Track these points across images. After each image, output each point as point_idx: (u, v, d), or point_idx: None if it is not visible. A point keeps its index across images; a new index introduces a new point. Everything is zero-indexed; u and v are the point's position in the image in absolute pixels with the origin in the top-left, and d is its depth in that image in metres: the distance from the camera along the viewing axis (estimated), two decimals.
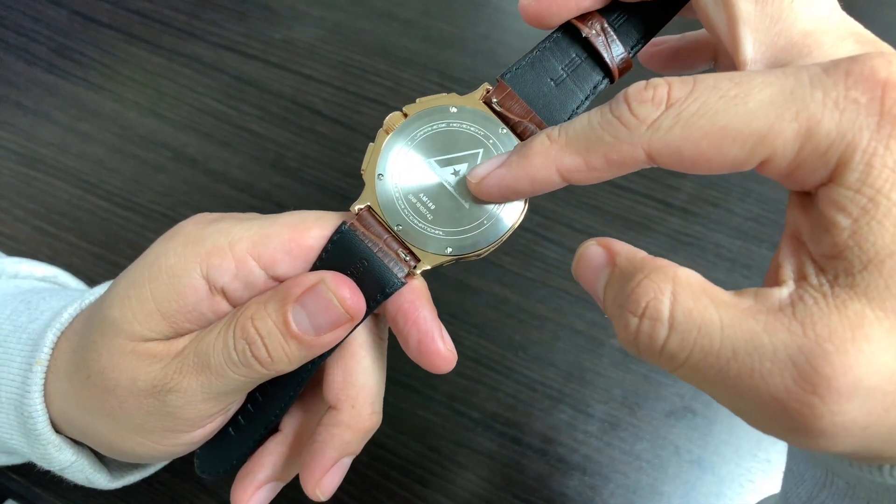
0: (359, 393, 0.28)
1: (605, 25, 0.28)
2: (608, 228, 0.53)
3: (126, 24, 0.66)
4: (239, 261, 0.26)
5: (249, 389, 0.28)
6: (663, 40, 0.33)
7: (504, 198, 0.26)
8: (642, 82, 0.21)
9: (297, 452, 0.30)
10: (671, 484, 0.44)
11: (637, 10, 0.28)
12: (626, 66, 0.29)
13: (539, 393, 0.47)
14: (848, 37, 0.23)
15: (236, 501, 0.28)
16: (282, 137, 0.59)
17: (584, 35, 0.28)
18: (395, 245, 0.27)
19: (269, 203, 0.55)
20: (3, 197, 0.55)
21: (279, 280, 0.26)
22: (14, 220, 0.54)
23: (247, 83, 0.62)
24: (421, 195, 0.27)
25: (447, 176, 0.27)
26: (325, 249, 0.26)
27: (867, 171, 0.18)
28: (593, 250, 0.23)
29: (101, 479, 0.33)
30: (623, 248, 0.22)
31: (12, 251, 0.52)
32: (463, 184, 0.27)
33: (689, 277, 0.20)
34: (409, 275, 0.27)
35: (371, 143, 0.28)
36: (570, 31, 0.28)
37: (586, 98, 0.28)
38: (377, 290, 0.26)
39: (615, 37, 0.28)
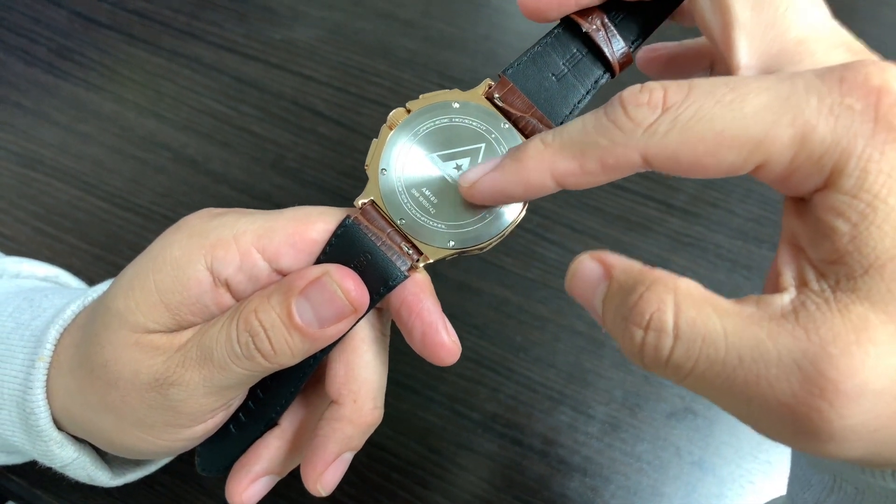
0: (361, 387, 0.28)
1: (606, 20, 0.28)
2: (609, 229, 0.53)
3: (126, 24, 0.66)
4: (243, 253, 0.26)
5: (252, 384, 0.28)
6: (661, 46, 0.34)
7: (496, 202, 0.26)
8: (637, 85, 0.21)
9: (295, 447, 0.30)
10: (672, 485, 0.44)
11: (636, 7, 0.28)
12: (626, 61, 0.29)
13: (540, 394, 0.47)
14: (839, 46, 0.23)
15: (231, 492, 0.28)
16: (282, 138, 0.59)
17: (584, 30, 0.28)
18: (398, 239, 0.27)
19: (269, 204, 0.55)
20: (3, 198, 0.55)
21: (283, 273, 0.27)
22: (14, 221, 0.54)
23: (247, 84, 0.62)
24: (424, 189, 0.27)
25: (450, 170, 0.27)
26: (328, 243, 0.27)
27: (863, 176, 0.18)
28: (588, 265, 0.23)
29: (102, 477, 0.33)
30: (619, 261, 0.22)
31: (12, 252, 0.52)
32: None
33: (689, 287, 0.20)
34: (413, 268, 0.27)
35: (375, 139, 0.28)
36: (570, 26, 0.29)
37: (587, 92, 0.28)
38: (381, 283, 0.26)
39: (615, 32, 0.28)
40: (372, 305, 0.27)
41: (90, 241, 0.53)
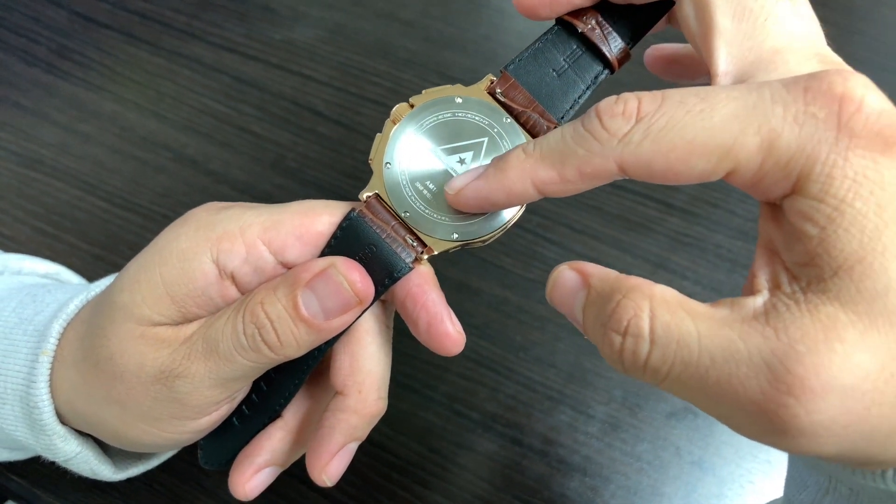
0: (365, 378, 0.28)
1: (601, 19, 0.28)
2: (608, 229, 0.53)
3: (126, 24, 0.66)
4: (249, 246, 0.26)
5: (257, 376, 0.28)
6: (666, 46, 0.34)
7: (481, 209, 0.26)
8: (613, 97, 0.22)
9: (299, 439, 0.30)
10: (672, 485, 0.44)
11: (629, 8, 0.29)
12: (624, 57, 0.29)
13: (539, 394, 0.47)
14: (812, 57, 0.24)
15: (234, 483, 0.29)
16: (282, 138, 0.59)
17: (580, 30, 0.28)
18: (402, 231, 0.27)
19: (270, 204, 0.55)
20: (3, 198, 0.55)
21: (288, 266, 0.27)
22: (14, 221, 0.54)
23: (247, 84, 0.62)
24: (427, 183, 0.28)
25: (453, 164, 0.28)
26: (334, 236, 0.27)
27: (829, 181, 0.19)
28: (566, 275, 0.24)
29: (105, 471, 0.33)
30: (595, 270, 0.23)
31: (12, 252, 0.52)
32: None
33: (664, 293, 0.21)
34: (417, 260, 0.27)
35: (379, 133, 0.28)
36: (569, 24, 0.29)
37: (587, 88, 0.29)
38: (385, 274, 0.27)
39: (611, 30, 0.28)
40: (377, 297, 0.27)
41: (90, 240, 0.53)
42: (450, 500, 0.43)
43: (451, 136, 0.28)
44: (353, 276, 0.26)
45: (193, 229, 0.27)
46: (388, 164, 0.28)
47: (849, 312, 0.19)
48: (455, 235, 0.27)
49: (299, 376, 0.28)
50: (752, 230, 0.54)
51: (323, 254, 0.27)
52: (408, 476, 0.44)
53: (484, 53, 0.65)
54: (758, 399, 0.19)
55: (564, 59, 0.29)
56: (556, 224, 0.54)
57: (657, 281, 0.54)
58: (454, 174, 0.28)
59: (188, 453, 0.41)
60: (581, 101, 0.29)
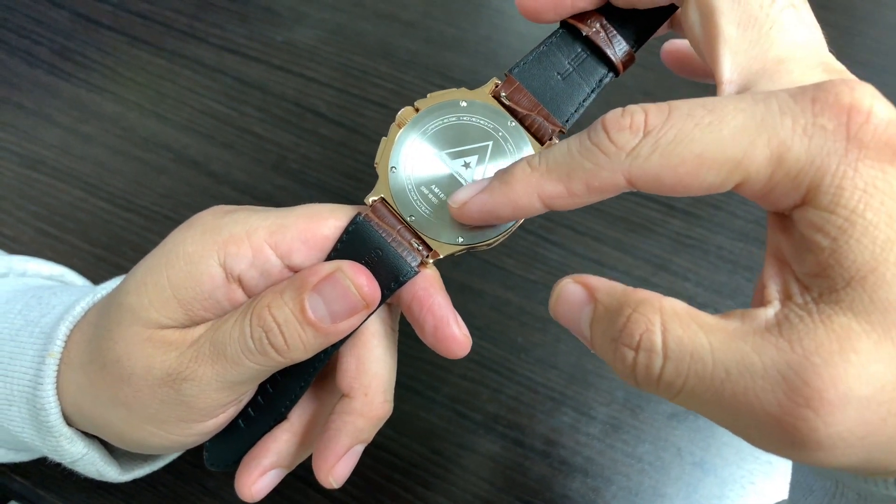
0: (371, 381, 0.28)
1: (605, 23, 0.28)
2: (610, 231, 0.53)
3: (128, 26, 0.66)
4: (256, 249, 0.27)
5: (263, 378, 0.28)
6: (683, 42, 0.34)
7: (485, 222, 0.26)
8: (619, 109, 0.22)
9: (304, 441, 0.30)
10: (673, 486, 0.44)
11: (633, 11, 0.29)
12: (629, 60, 0.29)
13: (541, 395, 0.47)
14: (817, 66, 0.23)
15: (240, 485, 0.29)
16: (284, 139, 0.59)
17: (584, 34, 0.28)
18: (408, 235, 0.28)
19: (271, 205, 0.54)
20: (5, 199, 0.55)
21: (294, 269, 0.27)
22: (16, 222, 0.54)
23: (248, 85, 0.62)
24: (433, 186, 0.28)
25: (458, 168, 0.28)
26: (340, 240, 0.27)
27: (839, 193, 0.19)
28: (571, 288, 0.23)
29: (111, 472, 0.33)
30: (601, 283, 0.23)
31: (14, 253, 0.52)
32: (474, 175, 0.28)
33: (674, 306, 0.21)
34: (423, 264, 0.28)
35: (384, 137, 0.28)
36: (573, 27, 0.29)
37: (592, 91, 0.29)
38: (391, 278, 0.27)
39: (616, 33, 0.28)
40: (383, 301, 0.27)
41: (92, 241, 0.53)
42: (452, 502, 0.43)
43: (456, 140, 0.28)
44: (359, 279, 0.26)
45: (200, 233, 0.27)
46: (393, 169, 0.28)
47: (862, 323, 0.18)
48: (460, 239, 0.27)
49: (305, 379, 0.29)
50: (753, 232, 0.54)
51: (329, 257, 0.27)
52: (410, 477, 0.44)
53: (485, 54, 0.65)
54: (775, 412, 0.19)
55: (569, 63, 0.29)
56: (558, 226, 0.54)
57: (658, 283, 0.54)
58: (459, 178, 0.28)
59: (192, 455, 0.41)
60: (586, 104, 0.29)
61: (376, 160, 0.28)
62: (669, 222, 0.54)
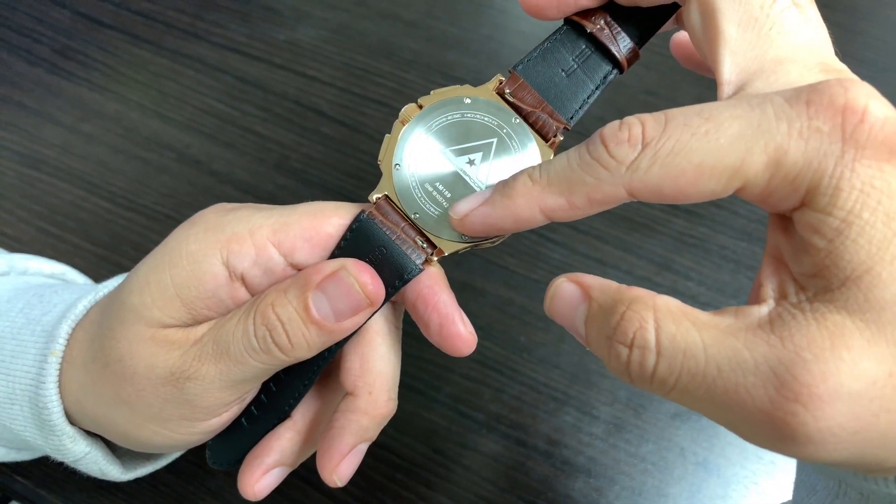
0: (376, 379, 0.28)
1: (609, 19, 0.28)
2: (613, 230, 0.53)
3: (129, 25, 0.66)
4: (259, 247, 0.26)
5: (267, 377, 0.28)
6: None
7: (486, 234, 0.26)
8: (616, 122, 0.22)
9: (308, 439, 0.30)
10: (676, 486, 0.44)
11: (637, 8, 0.29)
12: (634, 57, 0.29)
13: (544, 395, 0.46)
14: (815, 67, 0.23)
15: (243, 484, 0.29)
16: (285, 139, 0.59)
17: (588, 31, 0.28)
18: (412, 233, 0.27)
19: (273, 204, 0.55)
20: (7, 198, 0.55)
21: (298, 268, 0.27)
22: (17, 222, 0.54)
23: (250, 84, 0.62)
24: (437, 184, 0.28)
25: (462, 165, 0.28)
26: (343, 237, 0.27)
27: (836, 194, 0.19)
28: (565, 287, 0.24)
29: (114, 471, 0.33)
30: (595, 282, 0.23)
31: (16, 252, 0.52)
32: (478, 172, 0.28)
33: (667, 303, 0.21)
34: (427, 261, 0.27)
35: (387, 134, 0.28)
36: (578, 24, 0.29)
37: (597, 88, 0.29)
38: (396, 276, 0.27)
39: (620, 30, 0.28)
40: (387, 298, 0.27)
41: (94, 241, 0.53)
42: (454, 501, 0.43)
43: (461, 136, 0.28)
44: (363, 278, 0.26)
45: (203, 231, 0.27)
46: (397, 166, 0.28)
47: (856, 321, 0.19)
48: (465, 237, 0.27)
49: (309, 377, 0.28)
50: (755, 231, 0.54)
51: (333, 255, 0.27)
52: (412, 477, 0.44)
53: (487, 54, 0.65)
54: (766, 407, 0.19)
55: (573, 59, 0.29)
56: (561, 225, 0.54)
57: (661, 282, 0.54)
58: (464, 175, 0.28)
59: (193, 454, 0.41)
60: (590, 101, 0.29)
61: (380, 157, 0.28)
62: (672, 221, 0.54)
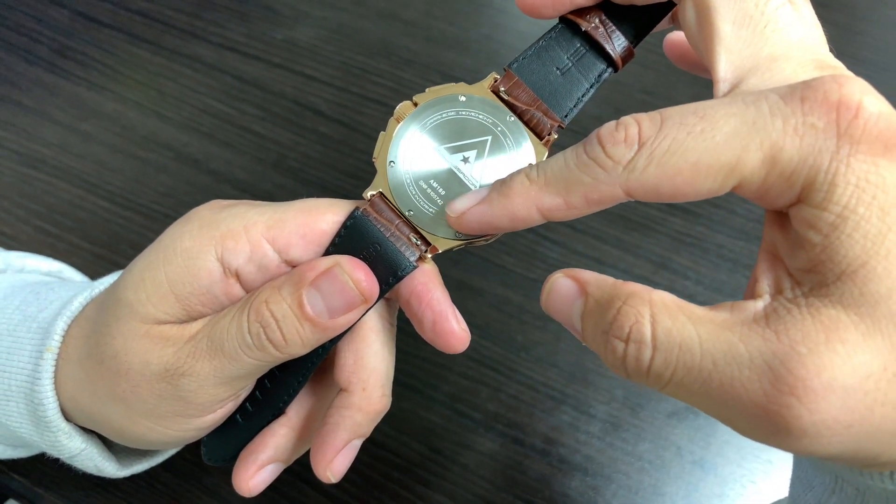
0: (370, 376, 0.28)
1: (604, 18, 0.28)
2: (610, 229, 0.53)
3: (128, 24, 0.66)
4: (254, 244, 0.27)
5: (261, 374, 0.28)
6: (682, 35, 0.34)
7: (483, 232, 0.26)
8: (612, 122, 0.22)
9: (302, 435, 0.30)
10: (673, 485, 0.44)
11: (632, 7, 0.29)
12: (628, 55, 0.29)
13: (541, 394, 0.47)
14: (809, 63, 0.23)
15: (238, 480, 0.29)
16: (283, 138, 0.59)
17: (583, 29, 0.28)
18: (406, 230, 0.28)
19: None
20: (5, 197, 0.55)
21: (292, 264, 0.27)
22: (15, 221, 0.54)
23: (248, 83, 0.62)
24: (431, 181, 0.28)
25: (457, 162, 0.28)
26: (338, 234, 0.27)
27: (832, 189, 0.19)
28: (562, 282, 0.24)
29: (109, 467, 0.33)
30: (592, 277, 0.23)
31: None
32: (472, 170, 0.28)
33: (663, 298, 0.21)
34: (421, 258, 0.28)
35: (382, 132, 0.28)
36: (570, 24, 0.29)
37: (591, 86, 0.29)
38: (390, 273, 0.27)
39: (615, 29, 0.28)
40: (381, 295, 0.27)
41: (92, 240, 0.53)
42: (451, 500, 0.43)
43: (455, 134, 0.28)
44: (357, 274, 0.26)
45: (197, 227, 0.27)
46: (391, 163, 0.28)
47: (851, 314, 0.19)
48: (459, 234, 0.27)
49: (303, 374, 0.28)
50: (753, 230, 0.54)
51: (327, 252, 0.27)
52: (409, 475, 0.44)
53: (486, 53, 0.65)
54: (760, 401, 0.19)
55: (568, 58, 0.29)
56: (559, 224, 0.54)
57: (659, 281, 0.54)
58: (458, 173, 0.28)
59: (190, 452, 0.41)
60: (585, 99, 0.29)
61: (374, 154, 0.28)
62: (669, 220, 0.54)
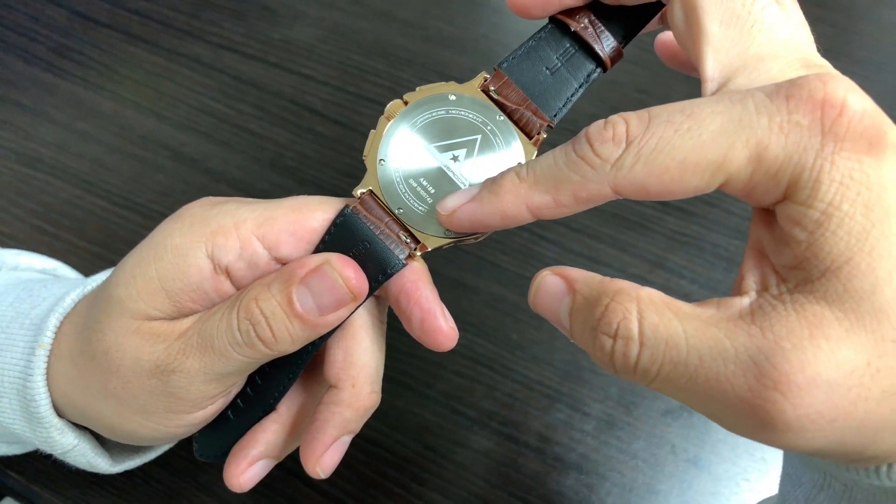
0: (359, 372, 0.28)
1: (593, 18, 0.29)
2: (606, 228, 0.54)
3: (125, 23, 0.66)
4: (244, 241, 0.27)
5: (252, 370, 0.29)
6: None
7: (473, 230, 0.27)
8: (601, 121, 0.22)
9: (293, 432, 0.30)
10: (667, 482, 0.44)
11: (621, 7, 0.29)
12: (617, 56, 0.29)
13: (536, 392, 0.47)
14: (796, 62, 0.24)
15: (229, 476, 0.29)
16: (280, 137, 0.59)
17: (572, 29, 0.28)
18: (396, 228, 0.28)
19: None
20: (2, 196, 0.55)
21: (282, 262, 0.27)
22: (13, 220, 0.54)
23: (246, 83, 0.62)
24: (421, 179, 0.28)
25: (447, 161, 0.28)
26: (328, 232, 0.27)
27: (816, 187, 0.19)
28: (550, 280, 0.24)
29: (102, 463, 0.34)
30: (579, 274, 0.23)
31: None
32: (462, 168, 0.28)
33: (650, 295, 0.21)
34: (410, 256, 0.28)
35: (373, 130, 0.28)
36: (562, 23, 0.29)
37: (580, 86, 0.29)
38: (379, 271, 0.27)
39: (604, 29, 0.29)
40: (371, 293, 0.27)
41: (89, 239, 0.53)
42: (446, 498, 0.43)
43: (445, 133, 0.28)
44: (347, 272, 0.26)
45: (188, 224, 0.27)
46: (381, 161, 0.28)
47: (835, 311, 0.19)
48: (448, 232, 0.27)
49: (293, 370, 0.29)
50: (748, 229, 0.54)
51: (317, 250, 0.27)
52: (404, 473, 0.44)
53: (483, 53, 0.65)
54: (745, 395, 0.19)
55: (557, 58, 0.29)
56: (553, 223, 0.54)
57: (654, 280, 0.54)
58: (448, 171, 0.28)
59: (185, 450, 0.41)
60: (574, 99, 0.29)
61: (365, 152, 0.28)
62: (665, 219, 0.54)
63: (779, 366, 0.19)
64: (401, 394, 0.46)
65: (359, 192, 0.28)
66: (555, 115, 0.29)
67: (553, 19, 0.29)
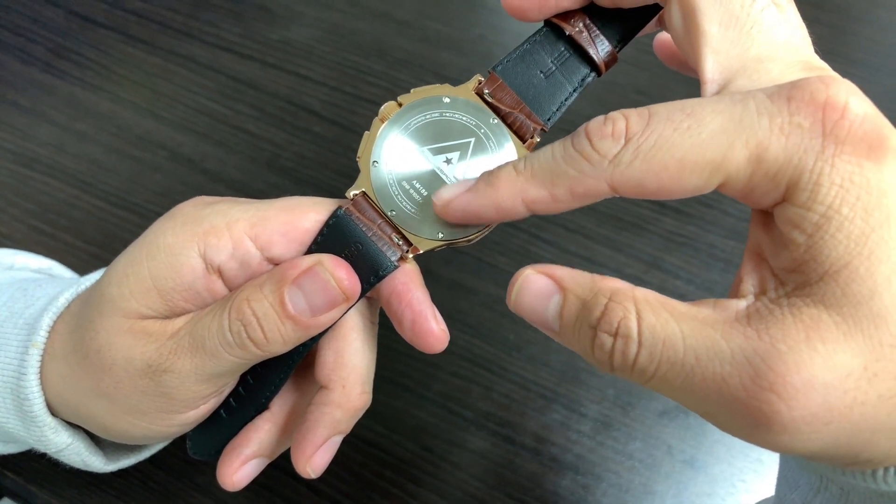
0: (350, 373, 0.28)
1: (588, 22, 0.28)
2: (602, 229, 0.54)
3: (123, 24, 0.66)
4: (236, 241, 0.27)
5: (243, 370, 0.29)
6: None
7: (468, 222, 0.27)
8: (601, 117, 0.22)
9: (286, 431, 0.30)
10: (664, 483, 0.44)
11: (617, 11, 0.29)
12: (612, 60, 0.29)
13: (533, 392, 0.47)
14: (795, 64, 0.24)
15: (222, 474, 0.29)
16: (277, 137, 0.59)
17: (567, 33, 0.28)
18: (388, 230, 0.28)
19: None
20: (0, 196, 0.55)
21: (274, 262, 0.27)
22: (10, 220, 0.54)
23: (243, 83, 0.62)
24: (414, 182, 0.28)
25: (440, 163, 0.28)
26: (320, 233, 0.27)
27: (816, 189, 0.19)
28: (535, 279, 0.24)
29: (96, 462, 0.34)
30: (566, 273, 0.23)
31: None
32: (455, 171, 0.28)
33: (646, 295, 0.21)
34: (402, 258, 0.28)
35: (366, 132, 0.29)
36: (557, 26, 0.29)
37: (574, 90, 0.29)
38: (371, 272, 0.27)
39: (599, 33, 0.28)
40: (362, 294, 0.27)
41: (86, 239, 0.53)
42: (442, 498, 0.43)
43: (438, 135, 0.28)
44: (339, 273, 0.26)
45: (181, 224, 0.27)
46: (375, 163, 0.28)
47: (833, 314, 0.19)
48: (441, 234, 0.27)
49: (285, 371, 0.29)
50: (745, 230, 0.54)
51: (309, 251, 0.27)
52: (401, 474, 0.44)
53: (480, 54, 0.65)
54: (741, 396, 0.19)
55: (552, 61, 0.29)
56: (550, 223, 0.54)
57: (650, 280, 0.54)
58: (441, 174, 0.28)
59: (181, 450, 0.41)
60: (568, 102, 0.29)
61: (358, 154, 0.28)
62: (661, 220, 0.54)
63: (775, 367, 0.19)
64: (398, 394, 0.46)
65: (352, 193, 0.28)
66: (548, 119, 0.29)
67: (548, 22, 0.29)
